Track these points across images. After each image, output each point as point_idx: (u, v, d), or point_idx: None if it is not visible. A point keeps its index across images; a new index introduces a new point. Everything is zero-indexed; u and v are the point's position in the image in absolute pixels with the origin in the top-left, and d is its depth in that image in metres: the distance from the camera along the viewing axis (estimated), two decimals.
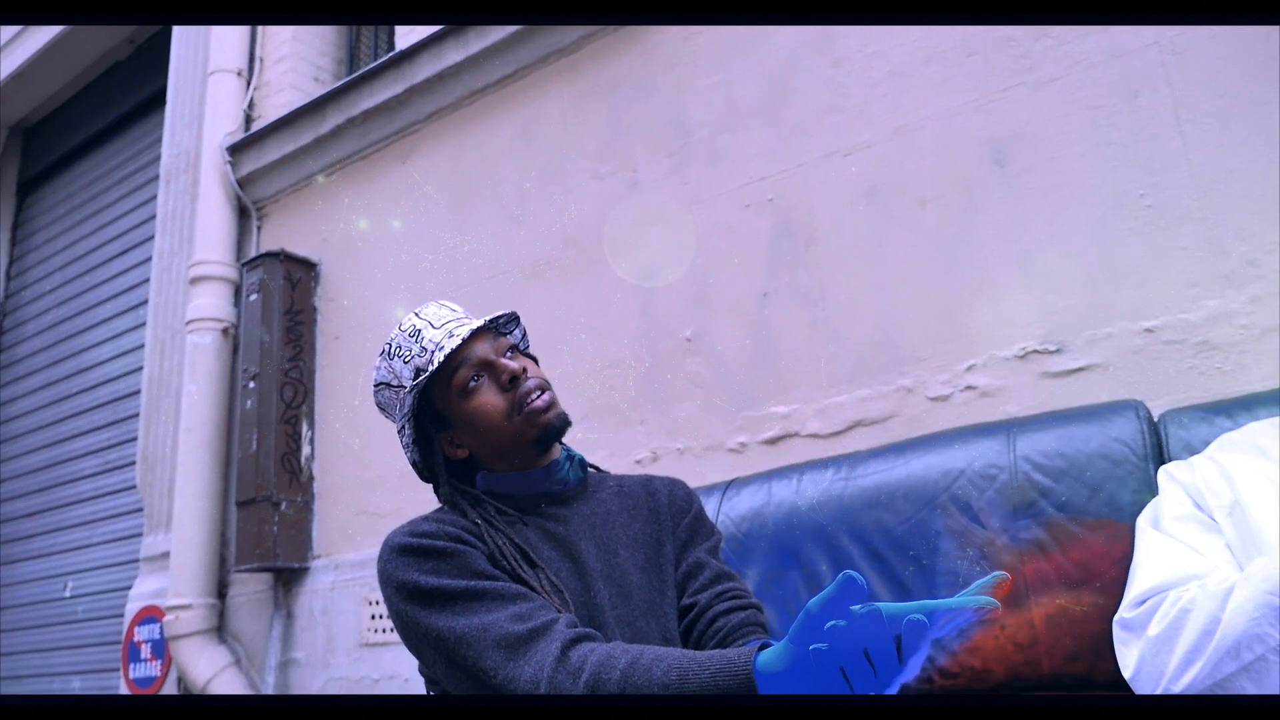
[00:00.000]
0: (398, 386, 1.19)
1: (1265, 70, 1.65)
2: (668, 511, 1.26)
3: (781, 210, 2.16)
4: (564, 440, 1.24)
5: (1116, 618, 1.10)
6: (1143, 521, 1.23)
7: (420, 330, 1.18)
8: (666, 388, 2.27)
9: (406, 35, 2.97)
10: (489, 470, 1.21)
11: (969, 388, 1.87)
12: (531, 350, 1.28)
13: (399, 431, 1.20)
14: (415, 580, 1.05)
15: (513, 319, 1.25)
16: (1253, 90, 1.66)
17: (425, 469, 1.21)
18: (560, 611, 1.04)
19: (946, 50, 1.99)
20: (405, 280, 2.85)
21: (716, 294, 2.23)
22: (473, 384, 1.16)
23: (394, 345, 1.19)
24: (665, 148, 2.38)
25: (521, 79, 2.70)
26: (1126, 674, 1.09)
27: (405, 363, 1.18)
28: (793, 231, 2.13)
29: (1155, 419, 1.48)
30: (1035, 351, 1.81)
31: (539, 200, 2.59)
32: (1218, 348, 1.64)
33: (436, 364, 1.14)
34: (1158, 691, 1.05)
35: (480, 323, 1.18)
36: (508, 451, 1.19)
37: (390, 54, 2.92)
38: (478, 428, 1.16)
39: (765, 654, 0.84)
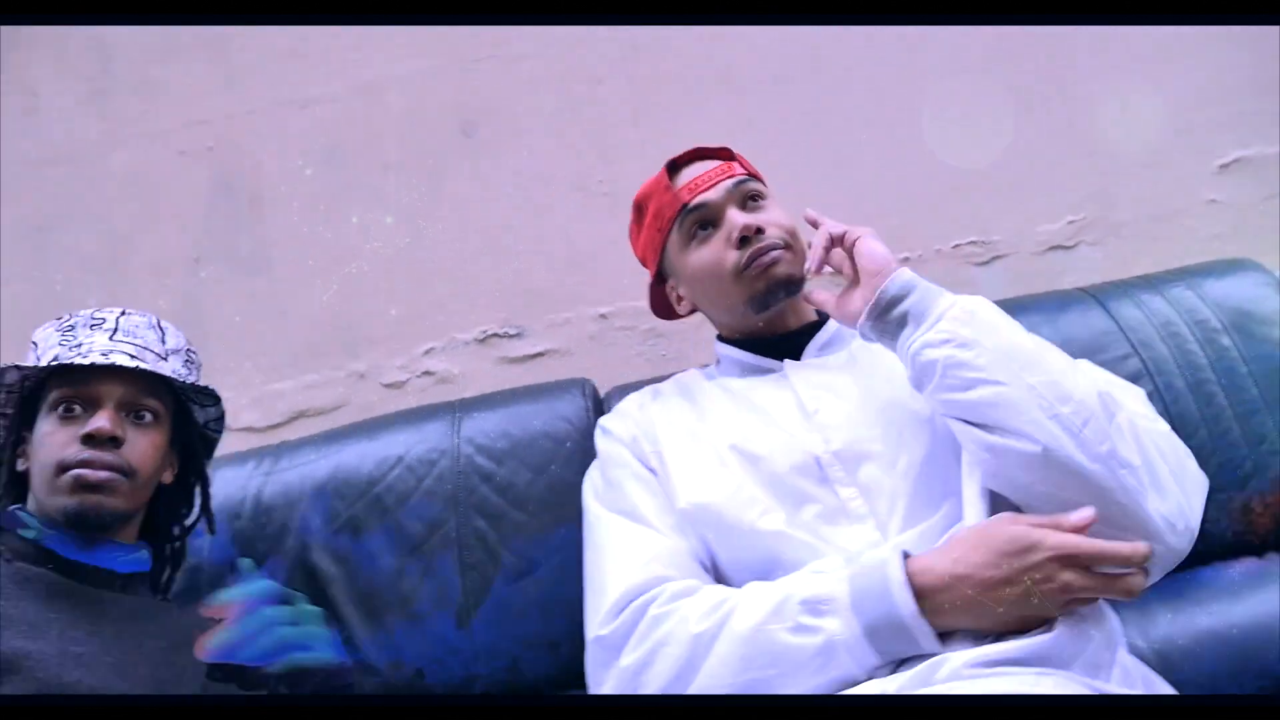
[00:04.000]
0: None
1: (704, 66, 1.73)
2: None
3: (223, 161, 1.80)
4: None
5: (593, 635, 0.93)
6: (589, 497, 1.10)
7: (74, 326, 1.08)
8: None
9: None
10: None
11: (427, 372, 1.69)
12: None
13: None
14: None
15: None
16: (696, 88, 1.73)
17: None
18: None
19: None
20: None
21: (137, 254, 1.79)
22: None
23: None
24: (79, 71, 1.88)
25: None
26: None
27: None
28: (234, 187, 1.78)
29: (601, 396, 1.42)
30: (496, 335, 1.69)
31: None
32: (664, 335, 1.66)
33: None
34: None
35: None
36: None
37: None
38: None
39: None
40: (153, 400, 1.07)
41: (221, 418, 1.20)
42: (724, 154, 1.17)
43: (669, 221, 1.15)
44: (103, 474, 0.99)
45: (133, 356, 1.04)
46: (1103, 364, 1.18)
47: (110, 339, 1.05)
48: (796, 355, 1.12)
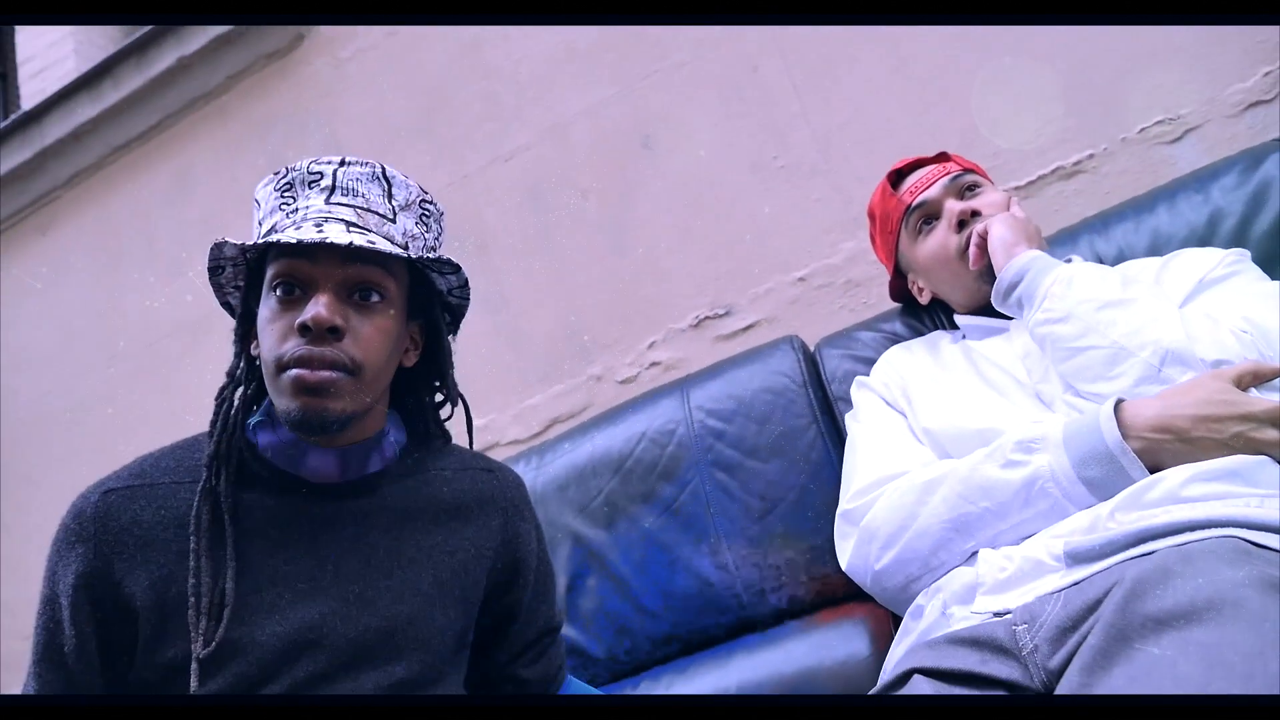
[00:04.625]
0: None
1: (859, 32, 1.81)
2: None
3: (451, 222, 2.08)
4: None
5: (839, 510, 1.09)
6: (849, 420, 1.25)
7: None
8: None
9: (34, 95, 2.68)
10: None
11: (654, 364, 1.87)
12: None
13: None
14: None
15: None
16: (850, 50, 1.81)
17: None
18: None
19: (585, 49, 2.04)
20: (54, 358, 2.51)
21: None
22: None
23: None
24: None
25: (169, 129, 2.50)
26: (843, 564, 1.07)
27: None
28: (464, 241, 2.08)
29: (811, 349, 1.53)
30: (707, 318, 1.85)
31: (201, 252, 2.37)
32: (860, 284, 1.74)
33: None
34: (867, 580, 1.04)
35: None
36: None
37: (14, 116, 2.61)
38: None
39: None
40: (381, 277, 0.90)
41: (466, 284, 1.03)
42: (941, 157, 1.31)
43: (897, 223, 1.30)
44: (323, 374, 0.85)
45: (351, 225, 0.88)
46: None
47: (327, 201, 0.89)
48: None
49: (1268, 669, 0.51)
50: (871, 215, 1.39)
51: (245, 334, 0.95)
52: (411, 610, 0.93)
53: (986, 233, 1.14)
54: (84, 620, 0.85)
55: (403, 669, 0.91)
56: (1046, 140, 1.65)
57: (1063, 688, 0.59)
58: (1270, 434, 0.81)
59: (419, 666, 0.92)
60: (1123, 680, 0.56)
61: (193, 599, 0.84)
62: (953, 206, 1.22)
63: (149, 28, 2.47)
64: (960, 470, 0.95)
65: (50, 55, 2.81)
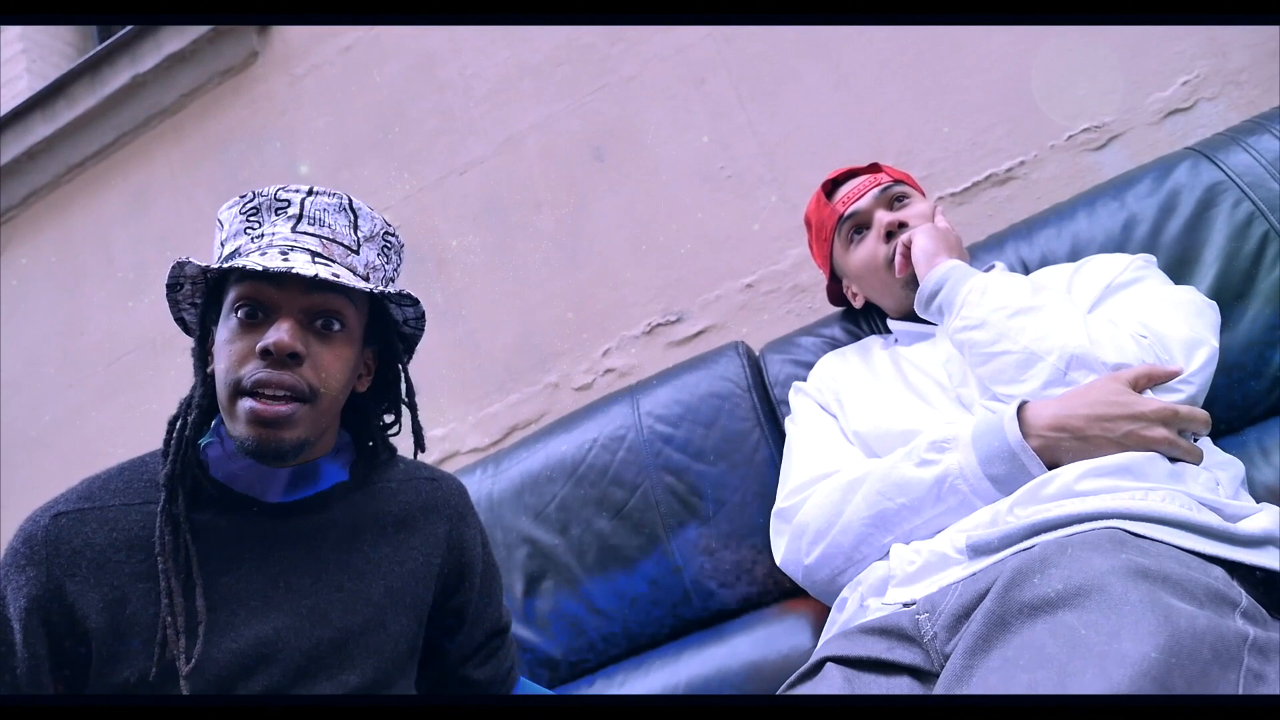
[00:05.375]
0: None
1: (802, 47, 1.87)
2: None
3: (409, 236, 2.10)
4: None
5: (774, 509, 1.15)
6: (787, 424, 1.32)
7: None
8: None
9: None
10: None
11: (609, 370, 1.92)
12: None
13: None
14: None
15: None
16: (794, 64, 1.87)
17: None
18: None
19: (537, 64, 2.09)
20: (17, 381, 2.51)
21: None
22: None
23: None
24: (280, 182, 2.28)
25: (124, 147, 2.51)
26: (778, 560, 1.13)
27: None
28: (423, 255, 2.11)
29: (756, 353, 1.59)
30: (659, 325, 1.90)
31: (160, 269, 2.39)
32: (805, 289, 1.79)
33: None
34: (799, 574, 1.10)
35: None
36: None
37: None
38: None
39: None
40: (342, 305, 0.92)
41: (422, 317, 1.03)
42: (873, 168, 1.36)
43: (831, 231, 1.36)
44: (281, 408, 0.87)
45: (316, 255, 0.90)
46: (1214, 216, 1.26)
47: (294, 229, 0.91)
48: None
49: (1122, 648, 0.56)
50: (808, 223, 1.45)
51: (203, 353, 0.96)
52: (363, 620, 0.96)
53: (911, 243, 1.20)
54: (37, 643, 0.86)
55: (356, 677, 0.94)
56: (980, 148, 1.72)
57: (948, 669, 0.64)
58: (1159, 432, 0.87)
59: (372, 674, 0.95)
60: (998, 661, 0.61)
61: (168, 618, 0.86)
62: (882, 217, 1.28)
63: (101, 46, 2.48)
64: (880, 469, 1.01)
65: (3, 73, 2.81)
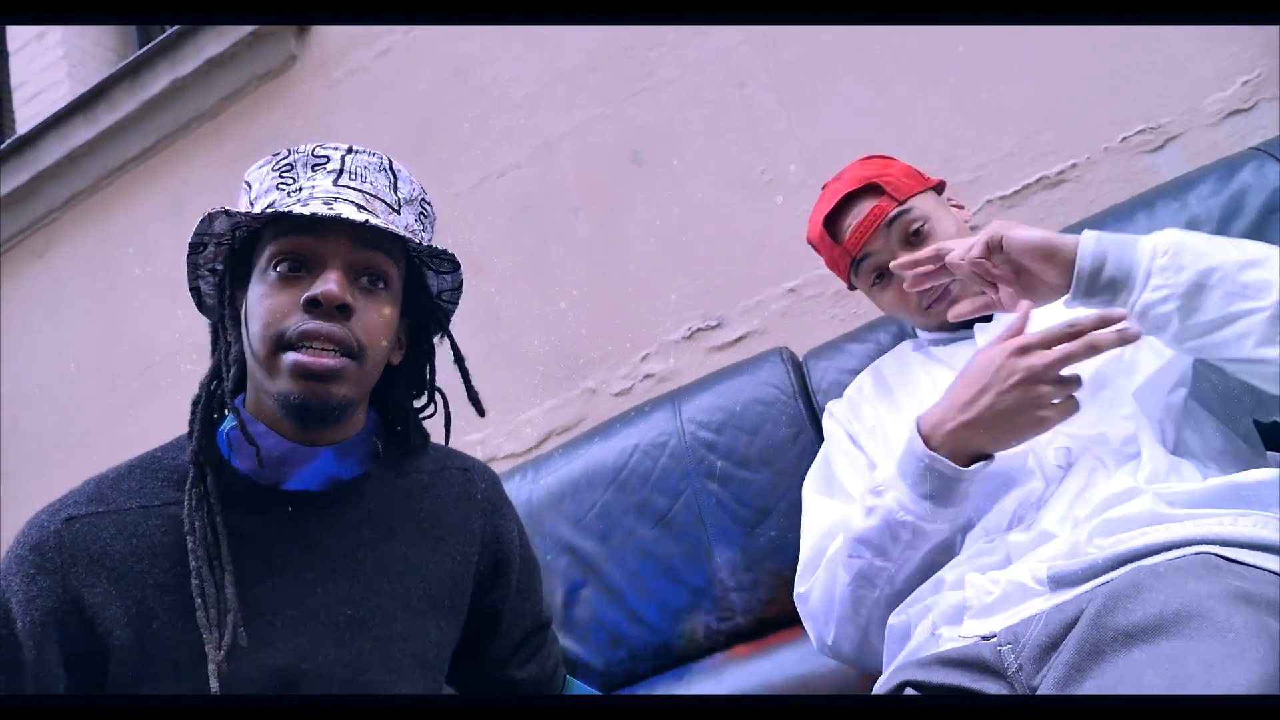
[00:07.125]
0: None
1: (844, 51, 1.84)
2: None
3: (443, 241, 2.10)
4: None
5: (795, 594, 1.11)
6: (805, 481, 1.21)
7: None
8: None
9: (29, 119, 2.70)
10: None
11: (647, 376, 1.89)
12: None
13: None
14: None
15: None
16: (835, 69, 1.84)
17: None
18: None
19: (573, 69, 2.07)
20: (54, 385, 2.53)
21: None
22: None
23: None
24: None
25: (164, 151, 2.53)
26: (815, 647, 1.11)
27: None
28: (461, 257, 2.09)
29: (800, 360, 1.55)
30: (700, 329, 1.87)
31: None
32: (849, 295, 1.76)
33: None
34: (832, 655, 1.08)
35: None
36: None
37: (9, 140, 2.64)
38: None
39: None
40: (387, 263, 0.87)
41: (459, 287, 1.01)
42: (871, 190, 1.17)
43: (846, 271, 1.23)
44: (328, 361, 0.81)
45: (360, 207, 0.85)
46: None
47: (335, 183, 0.87)
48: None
49: (1228, 677, 0.52)
50: (816, 250, 1.31)
51: (223, 324, 0.89)
52: (405, 628, 0.91)
53: (998, 247, 0.97)
54: (51, 661, 0.77)
55: (405, 688, 0.89)
56: (1030, 151, 1.68)
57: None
58: (1022, 363, 0.85)
59: (420, 683, 0.91)
60: (1094, 691, 0.57)
61: (199, 601, 0.78)
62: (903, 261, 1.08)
63: (141, 51, 2.50)
64: (846, 531, 1.00)
65: (44, 79, 2.84)
